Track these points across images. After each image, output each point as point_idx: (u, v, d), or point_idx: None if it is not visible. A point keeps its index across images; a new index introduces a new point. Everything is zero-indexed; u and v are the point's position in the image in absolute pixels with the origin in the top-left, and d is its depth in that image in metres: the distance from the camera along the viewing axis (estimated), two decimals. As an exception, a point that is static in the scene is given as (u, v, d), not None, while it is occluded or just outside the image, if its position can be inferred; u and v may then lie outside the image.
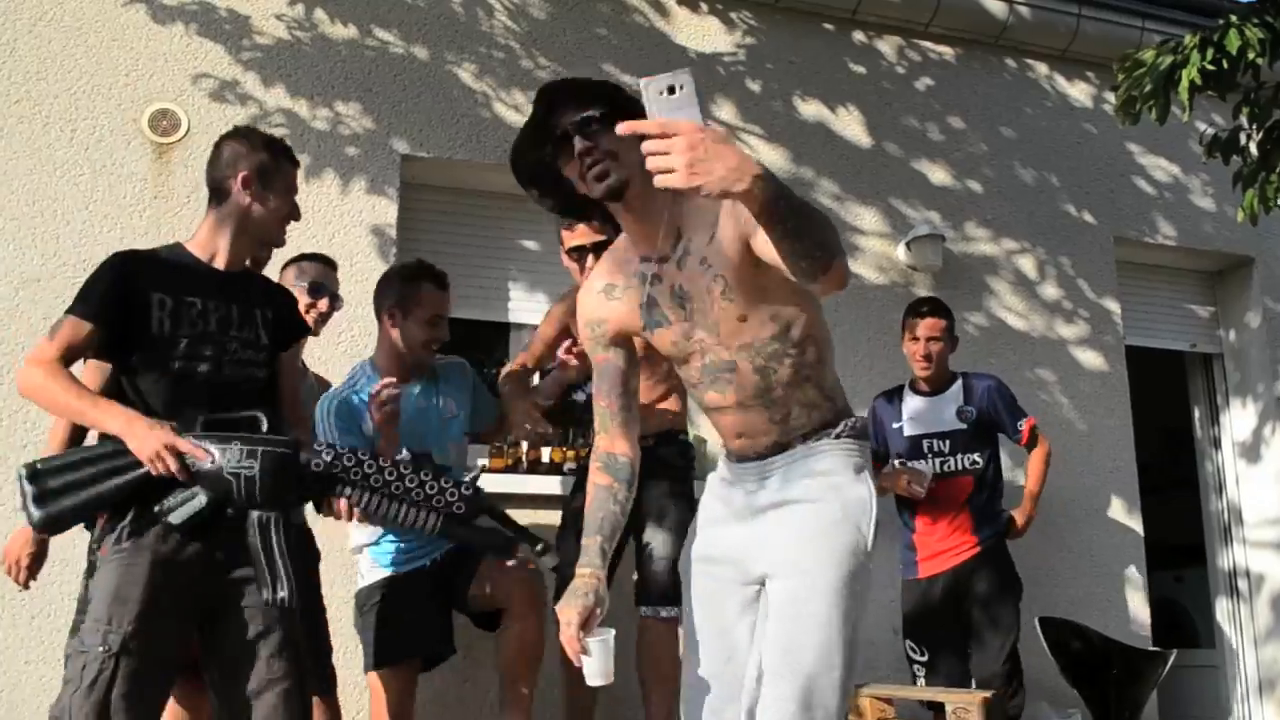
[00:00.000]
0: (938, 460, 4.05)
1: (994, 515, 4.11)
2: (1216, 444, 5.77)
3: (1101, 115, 5.48)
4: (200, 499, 2.39)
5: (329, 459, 2.46)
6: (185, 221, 3.89)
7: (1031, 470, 4.28)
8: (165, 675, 2.41)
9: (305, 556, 3.34)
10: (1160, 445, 5.93)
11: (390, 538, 3.29)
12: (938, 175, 5.17)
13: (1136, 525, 5.10)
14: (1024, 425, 4.16)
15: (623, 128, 1.61)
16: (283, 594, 2.42)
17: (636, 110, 1.87)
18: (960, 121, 5.28)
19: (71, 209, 4.00)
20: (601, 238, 3.44)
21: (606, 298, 2.15)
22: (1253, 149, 4.22)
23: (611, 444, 2.19)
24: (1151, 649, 4.68)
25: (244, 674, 2.43)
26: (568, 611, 2.03)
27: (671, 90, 1.61)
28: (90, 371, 3.05)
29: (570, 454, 4.20)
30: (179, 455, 2.35)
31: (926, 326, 4.10)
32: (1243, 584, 5.57)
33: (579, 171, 2.00)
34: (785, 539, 2.03)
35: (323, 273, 3.43)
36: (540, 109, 2.04)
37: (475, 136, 4.48)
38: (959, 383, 4.17)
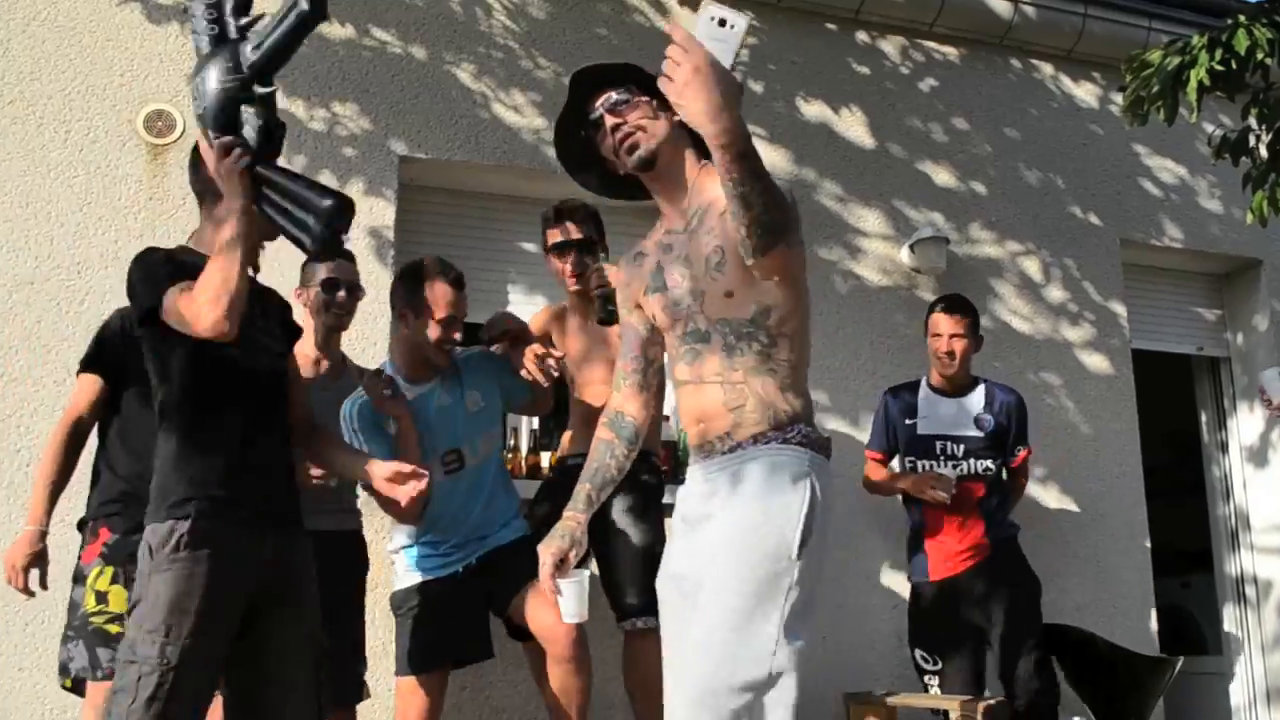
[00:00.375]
0: (950, 463, 3.96)
1: (1005, 519, 4.03)
2: (1224, 448, 5.72)
3: (1108, 116, 5.44)
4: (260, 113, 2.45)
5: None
6: (181, 223, 3.85)
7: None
8: (214, 679, 2.42)
9: (355, 565, 3.38)
10: (1167, 450, 5.88)
11: (424, 541, 3.24)
12: (942, 177, 5.13)
13: (1143, 531, 5.05)
14: (1021, 452, 4.11)
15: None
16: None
17: (656, 88, 2.05)
18: (964, 122, 5.24)
19: (66, 211, 3.97)
20: (582, 237, 3.44)
21: (634, 264, 2.31)
22: (1262, 150, 4.18)
23: (622, 404, 2.32)
24: (1158, 655, 4.63)
25: (265, 673, 2.45)
26: (544, 552, 2.19)
27: (722, 23, 1.75)
28: (84, 384, 3.04)
29: (570, 459, 4.16)
30: (228, 145, 2.41)
31: (949, 323, 3.99)
32: (1250, 590, 5.52)
33: (612, 148, 2.17)
34: (708, 550, 2.06)
35: (335, 267, 3.43)
36: (572, 96, 2.23)
37: (474, 138, 4.44)
38: (981, 389, 4.06)
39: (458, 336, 3.24)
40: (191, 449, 2.41)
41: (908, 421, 4.05)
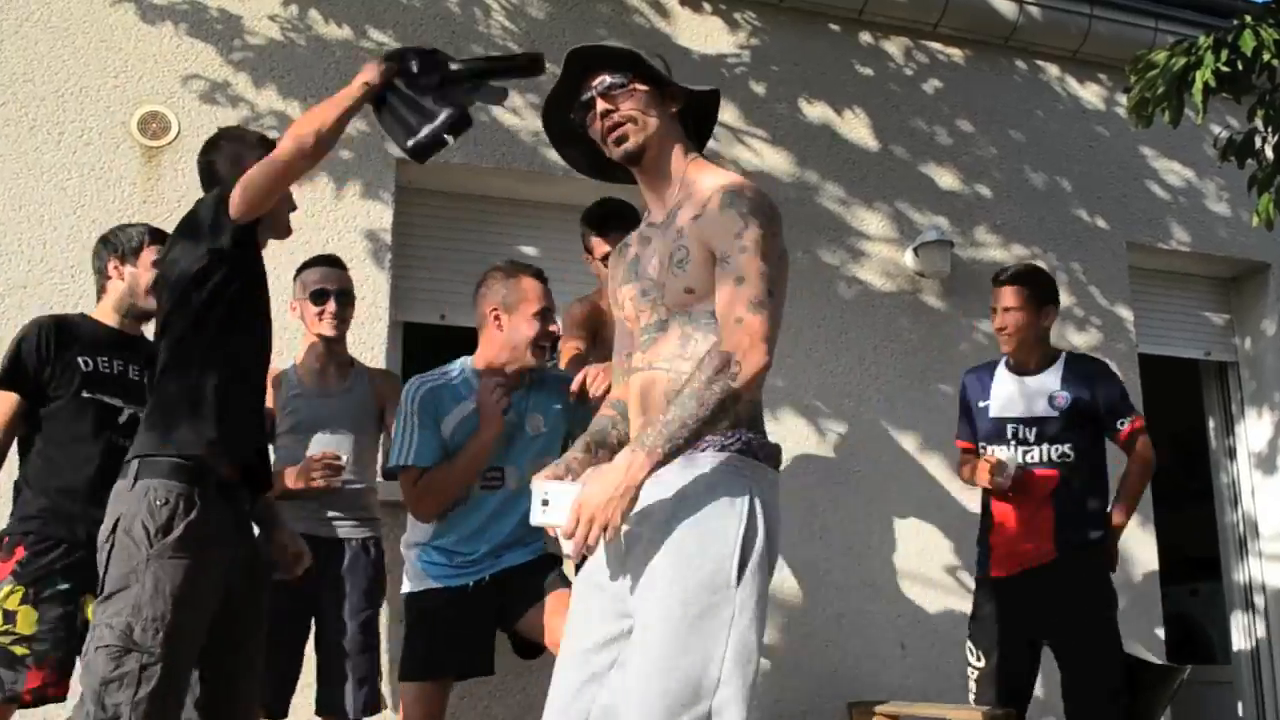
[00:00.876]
0: (1021, 449, 3.62)
1: (1084, 519, 3.59)
2: (1231, 454, 5.66)
3: (1114, 118, 5.39)
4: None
5: None
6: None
7: (1123, 483, 3.71)
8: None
9: (374, 575, 3.36)
10: (1174, 455, 5.81)
11: (438, 546, 3.16)
12: (946, 179, 5.08)
13: (1150, 538, 4.99)
14: (1126, 425, 3.65)
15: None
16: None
17: (659, 77, 2.14)
18: (969, 124, 5.19)
19: (59, 214, 3.93)
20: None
21: (619, 255, 2.28)
22: (1268, 152, 4.14)
23: (623, 395, 2.26)
24: (1166, 664, 4.58)
25: (248, 659, 2.52)
26: (536, 476, 2.14)
27: (545, 503, 1.93)
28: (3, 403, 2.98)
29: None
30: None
31: (1001, 295, 3.74)
32: (1259, 598, 5.46)
33: (600, 134, 2.14)
34: (640, 576, 1.96)
35: (323, 275, 3.39)
36: (567, 72, 2.18)
37: (472, 139, 4.39)
38: (1060, 362, 3.71)
39: (554, 330, 3.18)
40: (201, 393, 2.45)
41: (980, 404, 3.77)
